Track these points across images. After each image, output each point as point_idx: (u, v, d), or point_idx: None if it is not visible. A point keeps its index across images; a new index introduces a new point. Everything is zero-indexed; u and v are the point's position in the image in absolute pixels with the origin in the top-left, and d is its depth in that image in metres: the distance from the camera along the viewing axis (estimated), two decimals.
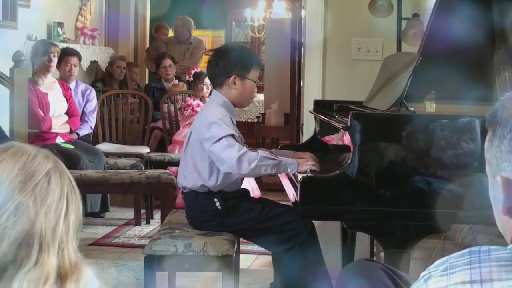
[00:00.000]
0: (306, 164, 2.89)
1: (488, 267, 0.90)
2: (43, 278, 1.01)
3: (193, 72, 6.42)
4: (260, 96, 8.58)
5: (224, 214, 3.02)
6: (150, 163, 5.63)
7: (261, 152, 2.91)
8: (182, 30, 7.77)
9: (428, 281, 0.95)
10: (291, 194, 3.01)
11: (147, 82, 7.97)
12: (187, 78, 6.69)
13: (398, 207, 2.56)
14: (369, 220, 2.60)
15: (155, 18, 8.97)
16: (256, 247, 4.06)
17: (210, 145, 2.92)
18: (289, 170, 2.91)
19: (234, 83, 3.06)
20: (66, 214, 1.05)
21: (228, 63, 3.05)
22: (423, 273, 0.98)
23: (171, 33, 8.28)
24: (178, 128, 6.19)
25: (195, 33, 8.18)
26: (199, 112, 3.24)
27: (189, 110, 5.98)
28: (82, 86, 5.77)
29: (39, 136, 5.04)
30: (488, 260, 0.91)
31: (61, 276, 1.03)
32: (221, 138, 2.90)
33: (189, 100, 6.11)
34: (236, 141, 2.94)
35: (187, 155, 3.08)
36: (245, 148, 2.91)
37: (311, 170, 2.89)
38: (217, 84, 3.12)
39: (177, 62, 7.17)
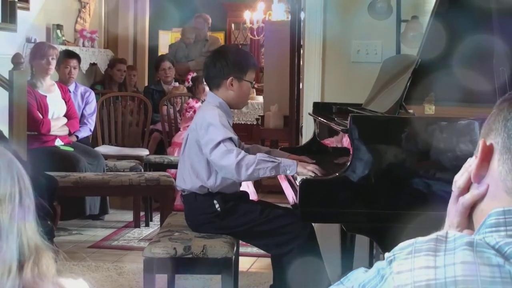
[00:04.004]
0: (307, 167, 2.88)
1: (452, 254, 0.91)
2: (7, 269, 0.99)
3: (190, 77, 6.43)
4: (260, 99, 8.58)
5: (223, 216, 3.02)
6: (149, 166, 5.63)
7: (260, 155, 2.91)
8: (203, 27, 7.85)
9: (392, 263, 0.95)
10: (291, 196, 3.01)
11: (146, 84, 7.98)
12: (186, 84, 6.71)
13: (397, 209, 2.56)
14: (369, 223, 2.60)
15: (155, 20, 8.98)
16: (255, 250, 4.05)
17: (208, 151, 2.91)
18: (288, 171, 2.90)
19: (232, 84, 3.07)
20: (21, 200, 1.04)
21: (225, 65, 3.06)
22: (387, 255, 0.98)
23: None
24: (177, 130, 6.19)
25: None
26: (196, 114, 3.24)
27: (190, 112, 5.97)
28: (82, 88, 5.77)
29: (38, 138, 5.04)
30: (453, 248, 0.92)
31: (21, 263, 1.02)
32: (219, 144, 2.90)
33: (191, 102, 6.10)
34: (235, 144, 2.94)
35: (185, 157, 3.09)
36: (243, 153, 2.90)
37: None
38: (213, 85, 3.12)
39: (193, 59, 7.22)
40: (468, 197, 1.07)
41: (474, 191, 1.06)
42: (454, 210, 1.10)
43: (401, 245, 0.97)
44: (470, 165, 1.08)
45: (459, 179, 1.10)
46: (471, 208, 1.08)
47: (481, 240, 0.94)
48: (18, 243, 1.02)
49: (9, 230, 1.01)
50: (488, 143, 1.05)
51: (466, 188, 1.09)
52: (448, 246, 0.93)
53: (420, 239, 0.96)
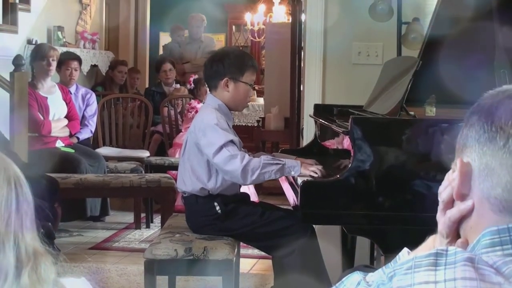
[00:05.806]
0: (311, 168, 2.88)
1: (453, 268, 0.91)
2: (2, 276, 0.98)
3: (192, 79, 6.43)
4: (260, 100, 8.58)
5: (224, 218, 3.02)
6: (150, 167, 5.63)
7: (264, 158, 2.91)
8: (199, 26, 7.84)
9: (393, 279, 0.95)
10: (291, 198, 3.01)
11: (147, 86, 7.98)
12: (188, 86, 6.72)
13: (398, 211, 2.56)
14: (369, 225, 2.60)
15: (156, 22, 8.98)
16: (256, 251, 4.05)
17: (211, 155, 2.91)
18: (292, 173, 2.91)
19: (227, 85, 3.07)
20: (17, 206, 1.02)
21: (221, 66, 3.07)
22: (388, 271, 0.98)
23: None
24: (178, 132, 6.20)
25: None
26: (195, 116, 3.24)
27: (192, 113, 5.97)
28: (82, 90, 5.77)
29: (39, 140, 5.04)
30: (453, 262, 0.92)
31: (19, 269, 1.00)
32: (221, 148, 2.89)
33: (193, 103, 6.11)
34: (237, 147, 2.94)
35: (185, 160, 3.09)
36: (247, 156, 2.90)
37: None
38: (211, 87, 3.13)
39: (189, 61, 7.19)
40: (455, 212, 1.06)
41: (461, 206, 1.05)
42: (442, 221, 1.10)
43: (401, 261, 0.97)
44: (454, 178, 1.06)
45: (443, 193, 1.09)
46: (459, 221, 1.07)
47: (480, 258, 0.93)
48: (15, 250, 1.00)
49: (5, 237, 1.00)
50: (465, 161, 1.04)
51: (451, 202, 1.08)
52: (448, 260, 0.93)
53: (419, 254, 0.96)
